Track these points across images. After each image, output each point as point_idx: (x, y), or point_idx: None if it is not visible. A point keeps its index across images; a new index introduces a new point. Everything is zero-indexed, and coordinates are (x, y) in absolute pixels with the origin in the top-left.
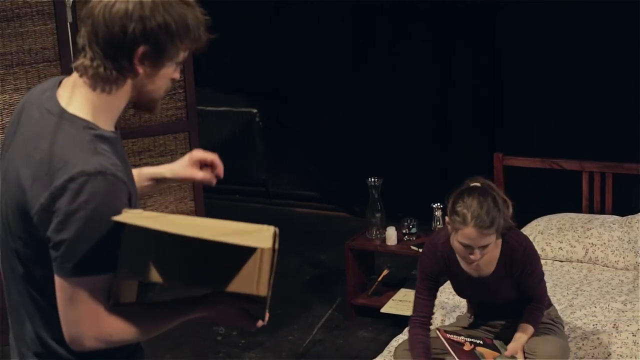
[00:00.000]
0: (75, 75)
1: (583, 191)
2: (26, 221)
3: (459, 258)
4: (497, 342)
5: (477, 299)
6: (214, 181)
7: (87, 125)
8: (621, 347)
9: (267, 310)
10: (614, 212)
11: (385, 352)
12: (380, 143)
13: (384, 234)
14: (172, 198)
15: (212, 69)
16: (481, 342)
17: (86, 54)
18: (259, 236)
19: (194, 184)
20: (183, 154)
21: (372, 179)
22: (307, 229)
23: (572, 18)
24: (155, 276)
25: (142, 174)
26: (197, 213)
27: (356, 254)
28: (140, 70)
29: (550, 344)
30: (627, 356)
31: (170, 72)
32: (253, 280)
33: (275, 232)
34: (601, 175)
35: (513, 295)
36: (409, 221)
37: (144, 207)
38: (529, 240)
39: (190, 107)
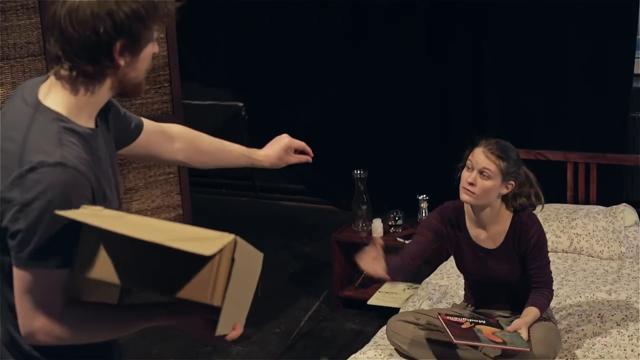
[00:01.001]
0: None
1: (567, 182)
2: None
3: (460, 192)
4: (501, 321)
5: (479, 276)
6: (310, 160)
7: (57, 118)
8: (605, 337)
9: (232, 323)
10: (599, 203)
11: (372, 343)
12: (366, 136)
13: (370, 226)
14: (158, 192)
15: (198, 64)
16: (483, 322)
17: (63, 64)
18: (216, 244)
19: (180, 177)
20: None
21: (358, 172)
22: (293, 222)
23: (561, 11)
24: (111, 276)
25: (235, 148)
26: (183, 207)
27: (342, 246)
28: (122, 62)
29: (545, 329)
30: (611, 345)
31: (149, 53)
32: (207, 289)
33: (234, 241)
34: (585, 165)
35: (516, 276)
36: (394, 213)
37: (131, 201)
38: (539, 222)
39: (176, 100)
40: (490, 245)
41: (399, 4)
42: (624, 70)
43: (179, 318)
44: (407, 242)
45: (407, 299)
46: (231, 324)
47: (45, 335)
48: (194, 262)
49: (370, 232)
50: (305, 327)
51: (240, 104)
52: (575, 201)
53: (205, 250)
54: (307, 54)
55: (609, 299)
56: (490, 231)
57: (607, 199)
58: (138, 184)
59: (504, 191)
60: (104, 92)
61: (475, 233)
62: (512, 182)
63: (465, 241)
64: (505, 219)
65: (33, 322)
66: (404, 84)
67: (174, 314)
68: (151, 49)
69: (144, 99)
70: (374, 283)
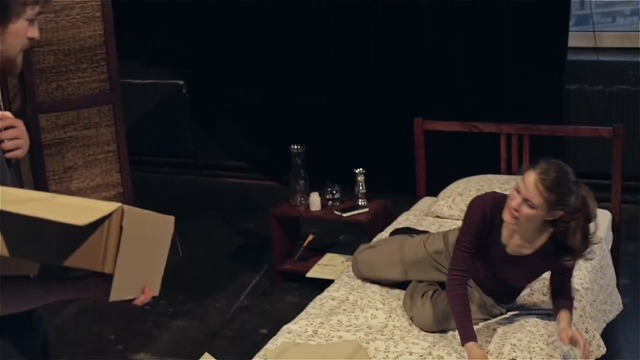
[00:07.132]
0: None
1: (501, 153)
2: None
3: (505, 210)
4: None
5: (492, 272)
6: None
7: None
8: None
9: (137, 287)
10: None
11: (304, 313)
12: (304, 112)
13: (308, 200)
14: (98, 170)
15: (138, 43)
16: None
17: None
18: (94, 215)
19: (119, 155)
20: (108, 126)
21: (295, 147)
22: (235, 199)
23: None
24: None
25: None
26: (123, 185)
27: (281, 221)
28: None
29: None
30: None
31: (21, 30)
32: (99, 257)
33: (121, 210)
34: (518, 137)
35: (525, 284)
36: (332, 187)
37: (70, 180)
38: None
39: (113, 79)
40: (520, 252)
41: None
42: (559, 42)
43: (90, 291)
44: (344, 215)
45: (344, 270)
46: (135, 289)
47: None
48: (83, 233)
49: (308, 206)
50: (245, 301)
51: (181, 82)
52: (509, 172)
53: (80, 221)
54: (246, 29)
55: None
56: (523, 241)
57: None
58: (77, 162)
59: (549, 218)
60: None
61: (508, 236)
62: (561, 212)
63: (494, 240)
64: (544, 236)
65: None
66: (343, 60)
67: (84, 288)
68: (24, 28)
69: (81, 77)
70: (313, 256)
